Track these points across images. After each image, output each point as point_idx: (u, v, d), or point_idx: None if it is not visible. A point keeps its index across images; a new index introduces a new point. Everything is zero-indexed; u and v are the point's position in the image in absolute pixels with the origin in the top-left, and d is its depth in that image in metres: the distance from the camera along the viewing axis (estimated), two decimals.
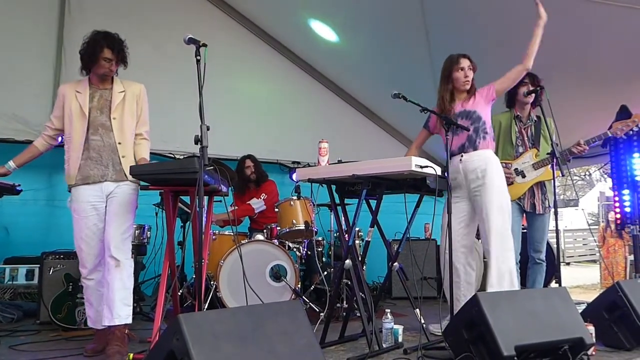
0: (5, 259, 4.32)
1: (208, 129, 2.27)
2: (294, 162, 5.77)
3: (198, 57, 2.30)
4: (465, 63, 3.25)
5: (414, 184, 2.96)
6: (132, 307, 2.76)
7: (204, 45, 2.30)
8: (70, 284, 3.47)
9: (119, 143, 2.83)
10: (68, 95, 2.86)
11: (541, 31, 3.14)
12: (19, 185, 3.05)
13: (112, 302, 2.68)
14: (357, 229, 3.50)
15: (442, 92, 3.32)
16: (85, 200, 2.80)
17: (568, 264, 13.92)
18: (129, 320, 2.73)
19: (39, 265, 3.70)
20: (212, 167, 2.53)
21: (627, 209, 4.42)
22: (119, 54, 2.82)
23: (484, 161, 3.17)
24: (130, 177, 2.78)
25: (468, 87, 3.28)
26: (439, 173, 2.83)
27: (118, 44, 2.81)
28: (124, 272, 2.71)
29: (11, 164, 2.92)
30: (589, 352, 2.48)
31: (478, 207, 3.16)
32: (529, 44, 3.15)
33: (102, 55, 2.77)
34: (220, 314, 1.87)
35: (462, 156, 3.21)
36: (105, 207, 2.81)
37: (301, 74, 5.84)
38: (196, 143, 2.26)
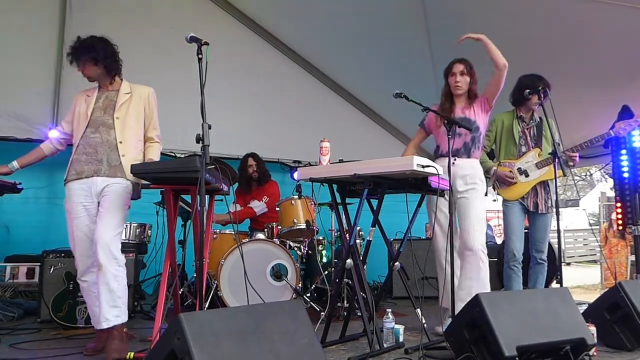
0: (6, 257, 4.32)
1: (210, 128, 2.27)
2: (295, 161, 5.77)
3: (200, 56, 2.30)
4: (457, 68, 3.34)
5: (416, 183, 2.95)
6: (121, 307, 2.70)
7: (206, 43, 2.30)
8: (71, 282, 3.47)
9: (120, 142, 2.83)
10: (79, 100, 2.93)
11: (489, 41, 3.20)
12: (20, 183, 3.05)
13: (100, 305, 2.67)
14: (358, 228, 3.49)
15: (441, 94, 3.43)
16: (77, 201, 2.80)
17: (569, 264, 13.91)
18: (119, 321, 2.69)
19: (39, 264, 3.70)
20: (213, 166, 2.53)
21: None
22: (104, 59, 2.84)
23: (475, 171, 3.35)
24: (125, 175, 2.78)
25: (459, 92, 3.36)
26: (441, 173, 2.83)
27: (87, 51, 2.81)
28: (108, 274, 2.65)
29: (15, 164, 2.93)
30: (591, 353, 2.47)
31: (463, 208, 3.29)
32: (489, 54, 3.18)
33: (79, 69, 2.85)
34: (221, 313, 1.86)
35: (455, 160, 3.27)
36: (97, 207, 2.80)
37: (303, 74, 5.83)
38: (197, 142, 2.26)
